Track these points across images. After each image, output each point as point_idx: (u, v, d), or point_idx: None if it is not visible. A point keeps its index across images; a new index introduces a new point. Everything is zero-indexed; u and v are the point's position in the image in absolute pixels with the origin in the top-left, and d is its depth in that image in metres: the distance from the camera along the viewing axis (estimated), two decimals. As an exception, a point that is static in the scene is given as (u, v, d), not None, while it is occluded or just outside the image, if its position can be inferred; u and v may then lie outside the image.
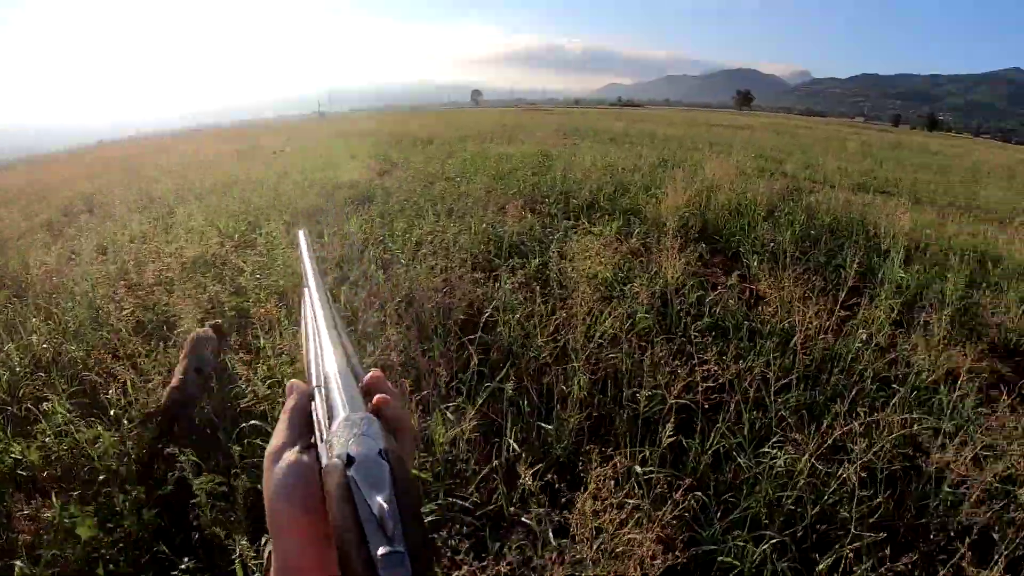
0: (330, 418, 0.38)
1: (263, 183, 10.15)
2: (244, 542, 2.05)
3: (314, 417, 0.42)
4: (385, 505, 0.29)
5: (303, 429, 0.42)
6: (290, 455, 0.40)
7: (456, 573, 1.68)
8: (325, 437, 0.37)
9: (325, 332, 0.50)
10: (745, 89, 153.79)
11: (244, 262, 5.01)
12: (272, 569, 0.38)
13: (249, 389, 2.89)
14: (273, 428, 0.42)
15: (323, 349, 0.47)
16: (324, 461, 0.35)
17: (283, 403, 0.45)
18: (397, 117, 48.90)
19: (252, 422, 2.87)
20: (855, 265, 4.29)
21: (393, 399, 0.43)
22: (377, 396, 0.43)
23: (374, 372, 0.46)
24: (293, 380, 0.47)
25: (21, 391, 3.69)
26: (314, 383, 0.45)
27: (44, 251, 6.55)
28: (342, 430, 0.35)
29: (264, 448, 1.83)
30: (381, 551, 0.28)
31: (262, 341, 3.33)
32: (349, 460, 0.32)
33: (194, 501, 2.40)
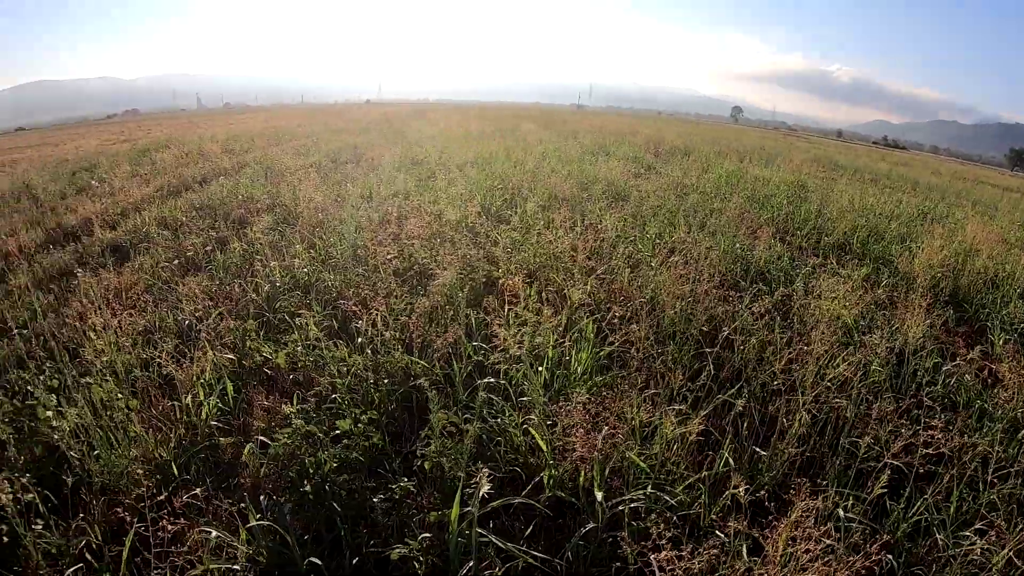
0: None
1: (522, 165, 10.69)
2: (462, 473, 2.32)
3: None
4: None
5: None
6: None
7: (654, 556, 1.86)
8: None
9: None
10: (1020, 147, 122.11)
11: (499, 235, 5.47)
12: None
13: (499, 348, 3.11)
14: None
15: None
16: None
17: None
18: (654, 122, 47.93)
19: (487, 379, 3.14)
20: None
21: None
22: None
23: None
24: None
25: (278, 303, 4.19)
26: None
27: (313, 189, 7.38)
28: None
29: (496, 401, 2.99)
30: None
31: (506, 309, 3.56)
32: None
33: (423, 433, 2.66)
